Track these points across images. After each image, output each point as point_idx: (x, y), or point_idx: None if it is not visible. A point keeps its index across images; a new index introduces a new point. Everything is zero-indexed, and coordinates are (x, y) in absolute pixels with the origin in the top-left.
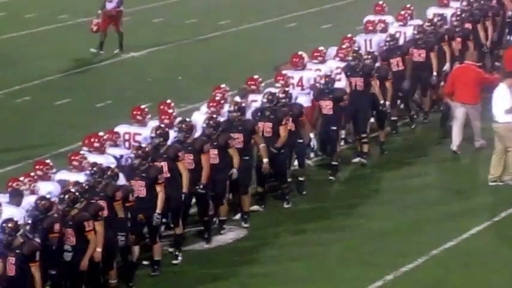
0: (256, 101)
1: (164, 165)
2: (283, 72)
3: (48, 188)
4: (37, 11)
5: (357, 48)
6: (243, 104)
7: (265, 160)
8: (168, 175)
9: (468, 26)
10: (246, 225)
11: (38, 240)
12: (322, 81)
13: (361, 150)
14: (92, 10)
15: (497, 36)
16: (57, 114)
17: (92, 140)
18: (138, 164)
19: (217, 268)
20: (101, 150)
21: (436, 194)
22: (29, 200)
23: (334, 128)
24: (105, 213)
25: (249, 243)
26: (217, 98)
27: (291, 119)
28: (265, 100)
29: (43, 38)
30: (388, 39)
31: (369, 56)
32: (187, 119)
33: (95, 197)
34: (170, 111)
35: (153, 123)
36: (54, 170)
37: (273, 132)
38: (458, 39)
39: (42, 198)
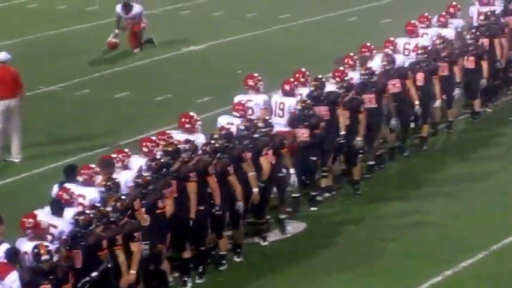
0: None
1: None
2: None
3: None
4: (97, 4)
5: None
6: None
7: (255, 190)
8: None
9: (484, 41)
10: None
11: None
12: (299, 107)
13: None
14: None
15: None
16: (117, 107)
17: (184, 120)
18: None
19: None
20: (192, 130)
21: (494, 188)
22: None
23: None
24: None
25: (307, 236)
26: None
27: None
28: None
29: (103, 31)
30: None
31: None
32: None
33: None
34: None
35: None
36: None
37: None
38: (471, 58)
39: (82, 213)
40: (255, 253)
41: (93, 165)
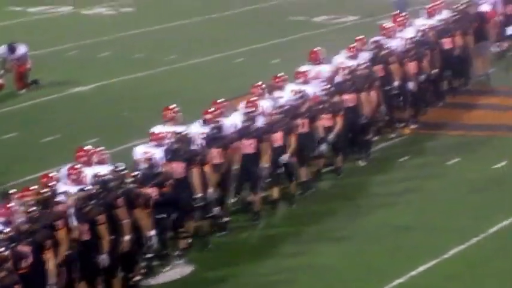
0: (282, 97)
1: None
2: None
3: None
4: None
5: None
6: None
7: (127, 238)
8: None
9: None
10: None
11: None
12: (146, 165)
13: None
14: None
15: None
16: (4, 149)
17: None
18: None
19: None
20: (89, 163)
21: (382, 231)
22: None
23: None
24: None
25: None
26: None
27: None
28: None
29: None
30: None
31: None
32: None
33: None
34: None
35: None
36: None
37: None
38: (328, 116)
39: None
40: None
41: None
